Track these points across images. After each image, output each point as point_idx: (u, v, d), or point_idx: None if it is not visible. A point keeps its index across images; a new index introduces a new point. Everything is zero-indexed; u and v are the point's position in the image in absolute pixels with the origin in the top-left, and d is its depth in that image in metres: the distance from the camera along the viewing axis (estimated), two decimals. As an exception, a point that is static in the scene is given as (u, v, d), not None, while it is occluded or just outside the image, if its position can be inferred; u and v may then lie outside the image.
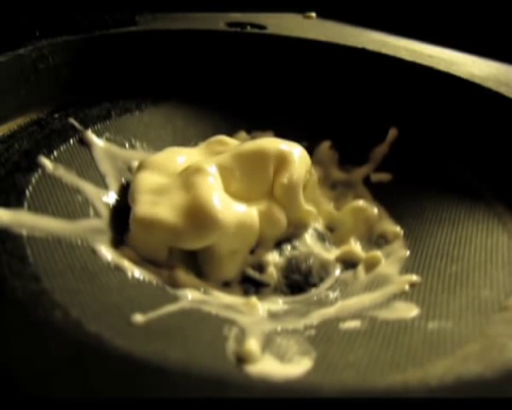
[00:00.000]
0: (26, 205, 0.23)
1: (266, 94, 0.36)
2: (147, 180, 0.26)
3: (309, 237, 0.28)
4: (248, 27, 0.40)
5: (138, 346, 0.17)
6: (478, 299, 0.21)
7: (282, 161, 0.27)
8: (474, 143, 0.31)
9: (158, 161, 0.27)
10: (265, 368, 0.17)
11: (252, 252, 0.26)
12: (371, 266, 0.26)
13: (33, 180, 0.24)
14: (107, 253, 0.22)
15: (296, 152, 0.28)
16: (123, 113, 0.32)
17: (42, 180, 0.25)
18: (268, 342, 0.19)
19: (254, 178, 0.27)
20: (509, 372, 0.16)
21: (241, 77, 0.37)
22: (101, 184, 0.27)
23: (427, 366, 0.17)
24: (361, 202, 0.29)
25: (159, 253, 0.24)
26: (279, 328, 0.20)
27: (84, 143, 0.28)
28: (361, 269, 0.26)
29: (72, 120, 0.30)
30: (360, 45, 0.37)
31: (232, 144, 0.29)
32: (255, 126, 0.34)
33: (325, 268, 0.26)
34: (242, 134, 0.34)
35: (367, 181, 0.32)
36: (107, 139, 0.30)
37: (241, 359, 0.17)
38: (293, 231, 0.27)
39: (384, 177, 0.31)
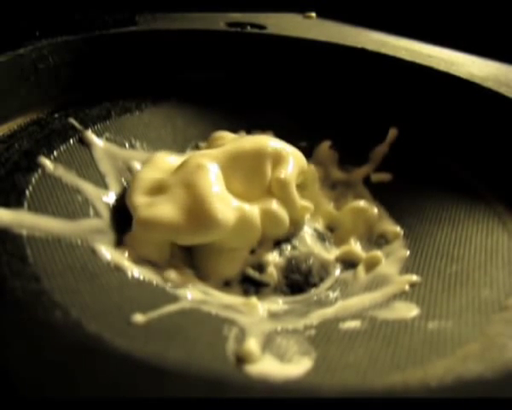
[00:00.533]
0: (26, 205, 0.23)
1: (266, 94, 0.36)
2: (146, 177, 0.26)
3: (309, 237, 0.28)
4: (248, 27, 0.40)
5: (138, 346, 0.17)
6: (478, 299, 0.21)
7: (277, 158, 0.27)
8: (474, 143, 0.31)
9: (156, 160, 0.28)
10: (265, 368, 0.17)
11: (252, 252, 0.26)
12: (371, 266, 0.26)
13: (33, 180, 0.24)
14: (107, 253, 0.22)
15: (289, 149, 0.28)
16: (123, 113, 0.32)
17: (42, 180, 0.25)
18: (268, 343, 0.19)
19: (253, 176, 0.27)
20: (509, 372, 0.16)
21: (241, 77, 0.37)
22: (101, 184, 0.27)
23: (427, 366, 0.17)
24: (361, 202, 0.29)
25: (160, 253, 0.24)
26: (279, 328, 0.20)
27: (84, 143, 0.28)
28: (361, 269, 0.26)
29: (72, 120, 0.29)
30: (360, 45, 0.37)
31: (230, 138, 0.30)
32: (255, 126, 0.34)
33: (325, 268, 0.26)
34: (242, 134, 0.34)
35: (367, 181, 0.32)
36: (107, 139, 0.30)
37: (241, 359, 0.17)
38: (294, 231, 0.27)
39: (384, 177, 0.31)
